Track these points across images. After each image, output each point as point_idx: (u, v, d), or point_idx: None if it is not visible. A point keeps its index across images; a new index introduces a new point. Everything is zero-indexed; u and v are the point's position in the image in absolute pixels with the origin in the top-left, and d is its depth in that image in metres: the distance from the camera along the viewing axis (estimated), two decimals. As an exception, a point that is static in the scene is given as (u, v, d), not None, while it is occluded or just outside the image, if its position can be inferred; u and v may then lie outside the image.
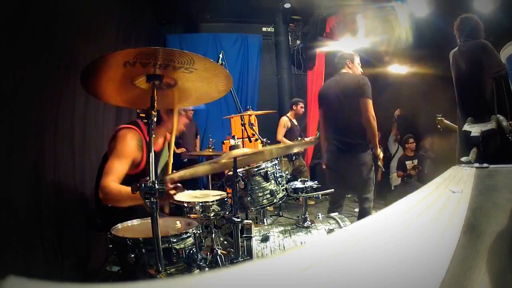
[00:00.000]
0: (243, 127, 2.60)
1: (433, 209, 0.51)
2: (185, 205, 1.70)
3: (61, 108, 2.09)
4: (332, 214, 1.91)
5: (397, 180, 4.90)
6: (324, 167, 2.65)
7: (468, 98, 2.33)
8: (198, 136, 4.94)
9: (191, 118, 4.80)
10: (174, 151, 4.94)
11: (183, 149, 4.58)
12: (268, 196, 1.76)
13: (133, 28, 3.72)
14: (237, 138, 1.40)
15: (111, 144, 1.57)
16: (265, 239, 1.65)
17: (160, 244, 1.04)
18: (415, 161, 4.65)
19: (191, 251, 1.25)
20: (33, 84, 1.78)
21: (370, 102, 2.33)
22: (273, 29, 6.29)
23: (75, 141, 2.26)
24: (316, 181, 1.91)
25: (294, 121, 4.29)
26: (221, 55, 2.43)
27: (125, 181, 1.50)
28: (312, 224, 1.78)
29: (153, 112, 1.09)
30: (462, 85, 2.39)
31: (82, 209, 2.22)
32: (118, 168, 1.48)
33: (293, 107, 4.31)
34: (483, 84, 2.17)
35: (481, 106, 2.11)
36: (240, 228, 1.41)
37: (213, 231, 1.78)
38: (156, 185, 1.00)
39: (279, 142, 3.93)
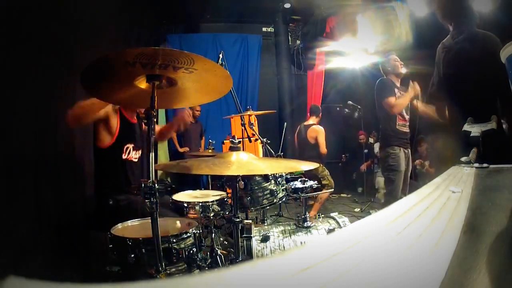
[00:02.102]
0: (243, 127, 2.60)
1: (433, 209, 0.51)
2: (185, 205, 1.70)
3: (61, 108, 2.09)
4: (332, 214, 1.91)
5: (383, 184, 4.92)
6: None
7: (470, 95, 2.27)
8: (203, 137, 4.95)
9: (197, 118, 4.84)
10: (177, 150, 4.88)
11: (186, 148, 4.60)
12: (268, 196, 1.76)
13: (133, 28, 3.72)
14: (237, 138, 1.40)
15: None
16: (265, 239, 1.66)
17: (160, 244, 1.04)
18: (427, 162, 4.65)
19: (191, 251, 1.25)
20: (33, 84, 1.78)
21: None
22: (273, 29, 6.30)
23: (75, 141, 2.26)
24: (316, 181, 1.91)
25: None
26: (221, 55, 2.42)
27: (100, 156, 1.75)
28: (312, 224, 1.78)
29: (153, 112, 1.09)
30: (464, 80, 2.31)
31: (82, 209, 2.22)
32: (96, 101, 1.50)
33: (320, 114, 4.17)
34: (486, 80, 2.10)
35: (483, 105, 2.05)
36: (240, 228, 1.41)
37: (213, 231, 1.78)
38: (156, 185, 1.00)
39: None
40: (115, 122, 1.76)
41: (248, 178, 1.76)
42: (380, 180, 5.08)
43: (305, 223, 1.77)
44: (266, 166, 1.24)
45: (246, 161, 1.21)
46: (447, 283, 0.27)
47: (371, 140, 5.50)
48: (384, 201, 2.90)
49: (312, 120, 4.10)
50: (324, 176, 3.79)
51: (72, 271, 1.95)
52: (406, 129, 2.81)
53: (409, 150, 2.86)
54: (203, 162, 1.28)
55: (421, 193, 0.64)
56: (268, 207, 1.93)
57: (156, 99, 1.10)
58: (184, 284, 0.24)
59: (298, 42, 6.26)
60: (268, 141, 2.51)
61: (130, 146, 1.84)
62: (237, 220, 1.37)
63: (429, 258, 0.32)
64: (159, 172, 4.56)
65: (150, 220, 1.03)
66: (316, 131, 3.95)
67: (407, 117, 2.84)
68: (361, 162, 5.40)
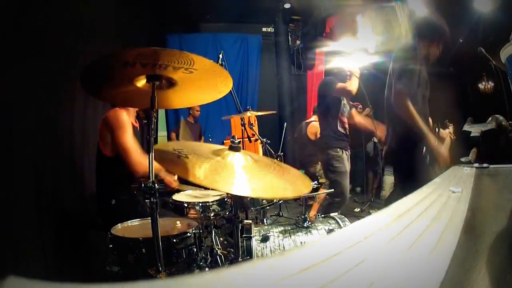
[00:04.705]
0: (243, 128, 2.60)
1: (433, 209, 0.51)
2: (185, 205, 1.70)
3: (61, 108, 2.09)
4: (332, 214, 1.91)
5: (389, 184, 4.94)
6: None
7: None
8: (202, 137, 4.95)
9: (197, 118, 4.85)
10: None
11: None
12: (268, 196, 1.76)
13: (133, 28, 3.72)
14: (237, 139, 1.39)
15: (107, 127, 1.64)
16: (265, 239, 1.65)
17: (160, 244, 1.04)
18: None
19: (191, 251, 1.25)
20: (33, 84, 1.78)
21: None
22: (273, 29, 6.30)
23: (75, 141, 2.26)
24: (316, 181, 1.91)
25: None
26: (221, 55, 2.42)
27: (106, 163, 1.64)
28: (312, 224, 1.78)
29: (153, 112, 1.09)
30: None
31: (82, 209, 2.22)
32: (132, 141, 1.57)
33: None
34: None
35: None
36: (240, 228, 1.41)
37: (213, 231, 1.78)
38: (156, 185, 1.00)
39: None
40: None
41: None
42: (387, 179, 5.08)
43: (305, 223, 1.77)
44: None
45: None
46: (447, 283, 0.27)
47: (375, 139, 5.48)
48: (328, 204, 2.87)
49: (314, 118, 4.13)
50: (322, 174, 3.80)
51: (72, 271, 1.95)
52: (346, 131, 2.88)
53: (349, 152, 2.91)
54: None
55: (421, 193, 0.64)
56: (268, 207, 1.93)
57: (156, 99, 1.10)
58: (184, 284, 0.24)
59: (298, 42, 6.26)
60: (268, 141, 2.51)
61: None
62: (237, 220, 1.37)
63: (429, 258, 0.32)
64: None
65: (150, 220, 1.03)
66: (316, 127, 3.95)
67: (346, 117, 2.91)
68: (361, 162, 5.39)
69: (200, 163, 0.98)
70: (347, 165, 2.82)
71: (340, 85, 2.78)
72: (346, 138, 2.88)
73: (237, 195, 1.35)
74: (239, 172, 1.00)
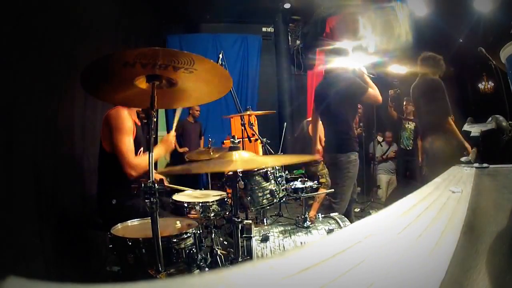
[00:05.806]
0: (243, 127, 2.60)
1: (433, 209, 0.51)
2: (185, 205, 1.70)
3: (61, 108, 2.09)
4: (332, 214, 1.91)
5: (385, 182, 4.96)
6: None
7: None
8: (202, 137, 4.97)
9: (197, 118, 4.86)
10: (176, 150, 4.84)
11: (185, 148, 4.61)
12: (268, 196, 1.76)
13: (133, 28, 3.72)
14: (237, 138, 1.40)
15: (107, 125, 1.65)
16: (265, 239, 1.65)
17: (160, 244, 1.04)
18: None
19: (191, 251, 1.25)
20: (33, 84, 1.78)
21: None
22: (273, 29, 6.30)
23: (75, 140, 2.26)
24: (316, 181, 1.91)
25: None
26: (221, 55, 2.42)
27: (109, 161, 1.65)
28: (312, 224, 1.78)
29: (153, 112, 1.09)
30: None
31: (82, 209, 2.22)
32: (130, 143, 1.60)
33: None
34: None
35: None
36: (240, 228, 1.41)
37: (213, 231, 1.78)
38: (155, 185, 1.00)
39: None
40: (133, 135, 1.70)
41: (248, 178, 1.75)
42: (381, 178, 5.08)
43: (305, 223, 1.77)
44: (270, 160, 1.24)
45: (248, 158, 1.24)
46: (447, 283, 0.27)
47: (380, 138, 5.47)
48: (328, 207, 2.56)
49: None
50: (323, 174, 3.77)
51: (72, 271, 1.95)
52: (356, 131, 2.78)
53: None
54: (205, 163, 1.28)
55: (421, 193, 0.64)
56: (268, 207, 1.93)
57: (156, 99, 1.10)
58: (184, 284, 0.24)
59: (298, 42, 6.26)
60: (268, 141, 2.50)
61: (141, 149, 1.78)
62: (237, 220, 1.37)
63: (429, 258, 0.32)
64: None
65: (150, 220, 1.03)
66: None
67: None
68: (361, 162, 5.38)
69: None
70: (357, 171, 2.58)
71: (372, 92, 2.49)
72: (357, 139, 2.70)
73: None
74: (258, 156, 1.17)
